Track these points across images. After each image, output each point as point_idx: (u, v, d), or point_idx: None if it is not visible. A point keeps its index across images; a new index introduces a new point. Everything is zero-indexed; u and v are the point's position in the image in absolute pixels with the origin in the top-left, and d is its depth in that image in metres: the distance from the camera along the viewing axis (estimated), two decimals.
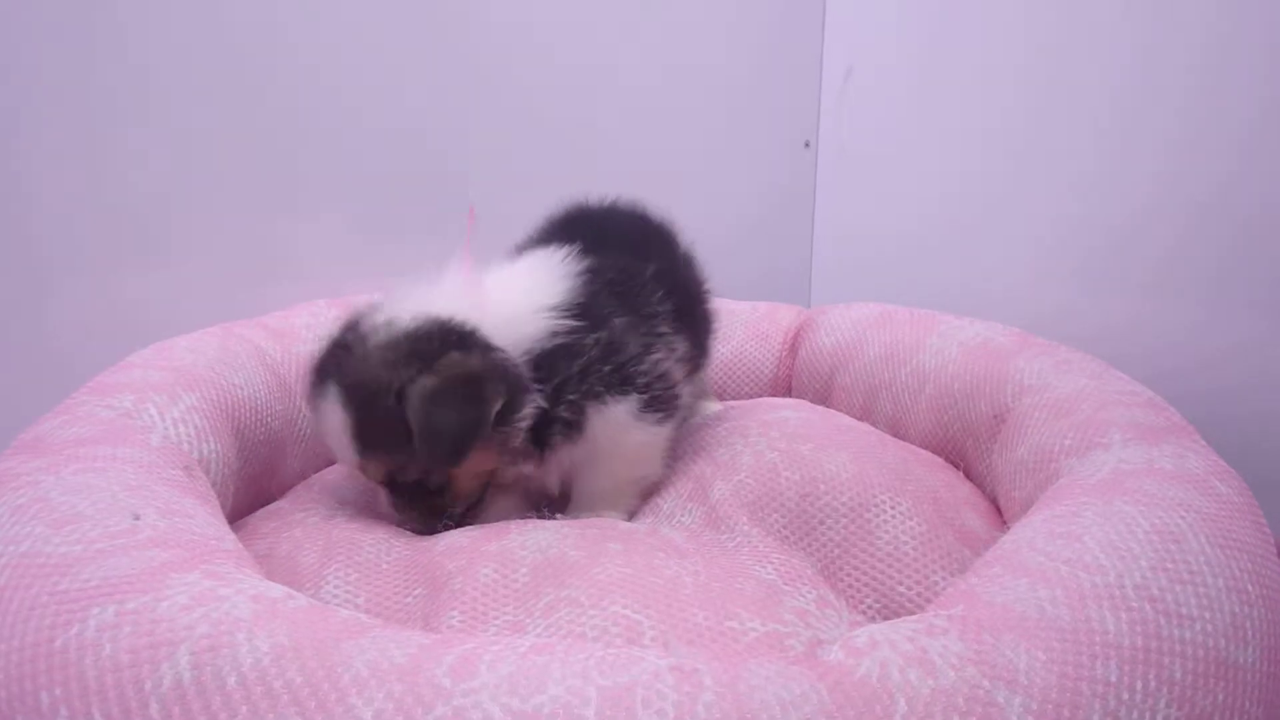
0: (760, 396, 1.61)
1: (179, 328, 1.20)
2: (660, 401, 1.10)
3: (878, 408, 1.37)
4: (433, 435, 0.96)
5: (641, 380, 1.08)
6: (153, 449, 0.87)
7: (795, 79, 2.11)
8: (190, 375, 1.04)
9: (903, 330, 1.39)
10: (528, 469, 1.07)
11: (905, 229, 1.96)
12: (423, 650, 0.56)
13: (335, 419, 0.99)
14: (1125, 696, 0.56)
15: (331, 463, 1.25)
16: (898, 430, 1.31)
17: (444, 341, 0.99)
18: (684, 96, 1.96)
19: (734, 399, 1.54)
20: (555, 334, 1.04)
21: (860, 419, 1.37)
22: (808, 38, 2.10)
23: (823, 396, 1.51)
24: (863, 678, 0.55)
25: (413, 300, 1.03)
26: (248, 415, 1.08)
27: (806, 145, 2.16)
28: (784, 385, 1.63)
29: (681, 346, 1.17)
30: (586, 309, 1.06)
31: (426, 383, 0.95)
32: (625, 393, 1.06)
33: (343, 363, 1.00)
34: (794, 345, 1.63)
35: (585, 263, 1.11)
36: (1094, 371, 1.10)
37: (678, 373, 1.15)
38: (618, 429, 1.07)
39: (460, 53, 1.66)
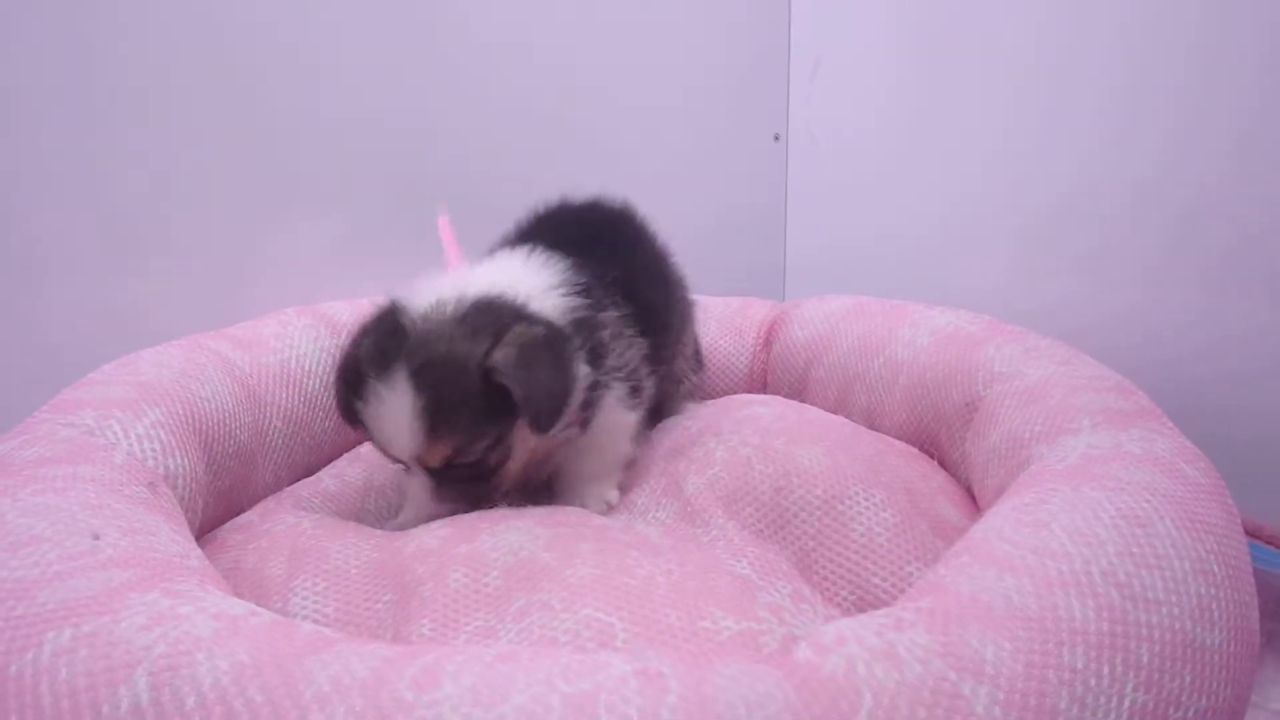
0: (735, 392, 1.61)
1: (166, 332, 1.20)
2: (637, 391, 1.16)
3: (853, 400, 1.37)
4: (538, 397, 0.98)
5: (625, 370, 1.13)
6: (115, 466, 0.86)
7: (763, 71, 2.11)
8: (155, 389, 1.02)
9: (875, 321, 1.39)
10: (571, 433, 1.10)
11: (881, 221, 1.96)
12: (386, 663, 0.56)
13: (400, 403, 0.97)
14: (1092, 683, 0.56)
15: (305, 474, 1.24)
16: (873, 422, 1.31)
17: (505, 314, 1.02)
18: (651, 91, 1.96)
19: (709, 396, 1.54)
20: (574, 309, 1.07)
21: (835, 412, 1.36)
22: (775, 28, 2.09)
23: (798, 390, 1.51)
24: (829, 674, 0.55)
25: (437, 289, 1.05)
26: (215, 428, 1.07)
27: (776, 138, 2.16)
28: (759, 380, 1.62)
29: (643, 346, 1.19)
30: (587, 290, 1.10)
31: (510, 351, 0.98)
32: (617, 381, 1.12)
33: (405, 345, 0.99)
34: (768, 340, 1.62)
35: (563, 260, 1.14)
36: (1063, 357, 1.09)
37: (643, 369, 1.18)
38: (609, 413, 1.12)
39: (430, 58, 1.66)
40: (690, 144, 2.05)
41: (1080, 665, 0.56)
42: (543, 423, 0.99)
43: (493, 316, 1.01)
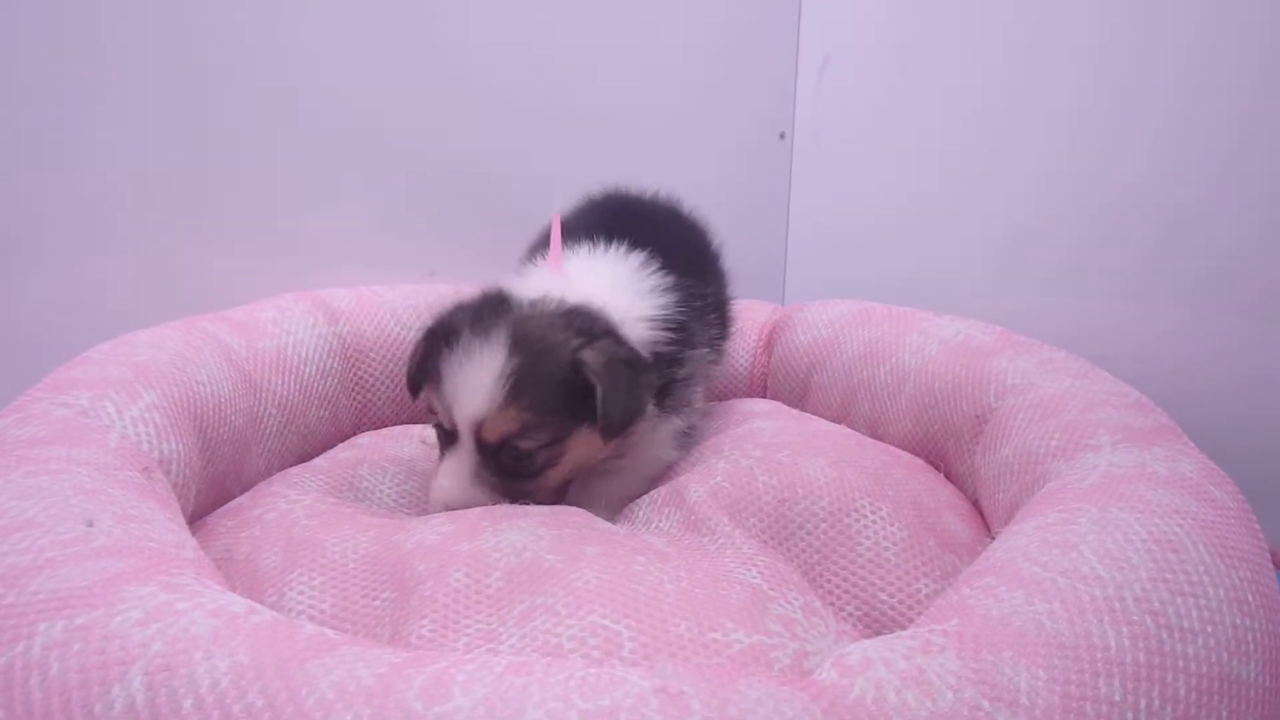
0: (735, 395, 1.59)
1: (143, 318, 1.17)
2: (691, 431, 1.20)
3: (856, 407, 1.34)
4: (614, 403, 1.02)
5: (686, 409, 1.17)
6: (110, 449, 0.84)
7: (770, 68, 2.09)
8: (151, 371, 1.00)
9: (882, 328, 1.37)
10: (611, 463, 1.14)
11: (881, 222, 1.94)
12: (393, 670, 0.53)
13: (490, 360, 1.01)
14: (1130, 716, 0.53)
15: (298, 463, 1.22)
16: (876, 430, 1.29)
17: (600, 325, 1.07)
18: (657, 87, 1.94)
19: (709, 398, 1.51)
20: (655, 344, 1.11)
21: (838, 419, 1.35)
22: (784, 25, 2.07)
23: (799, 395, 1.49)
24: (857, 699, 0.53)
25: (540, 286, 1.11)
26: (211, 413, 1.04)
27: (782, 136, 2.14)
28: (759, 384, 1.60)
29: (718, 363, 1.27)
30: (680, 326, 1.14)
31: (599, 356, 1.03)
32: (676, 414, 1.16)
33: (508, 316, 1.05)
34: (770, 343, 1.60)
35: (671, 280, 1.17)
36: (1079, 371, 1.07)
37: (699, 398, 1.23)
38: (657, 445, 1.16)
39: (434, 51, 1.64)
40: (695, 141, 2.03)
41: (1118, 698, 0.54)
42: (611, 430, 1.03)
43: (589, 323, 1.06)
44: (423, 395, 1.11)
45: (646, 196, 1.40)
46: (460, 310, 1.09)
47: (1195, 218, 1.30)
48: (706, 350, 1.20)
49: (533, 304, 1.07)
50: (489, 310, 1.07)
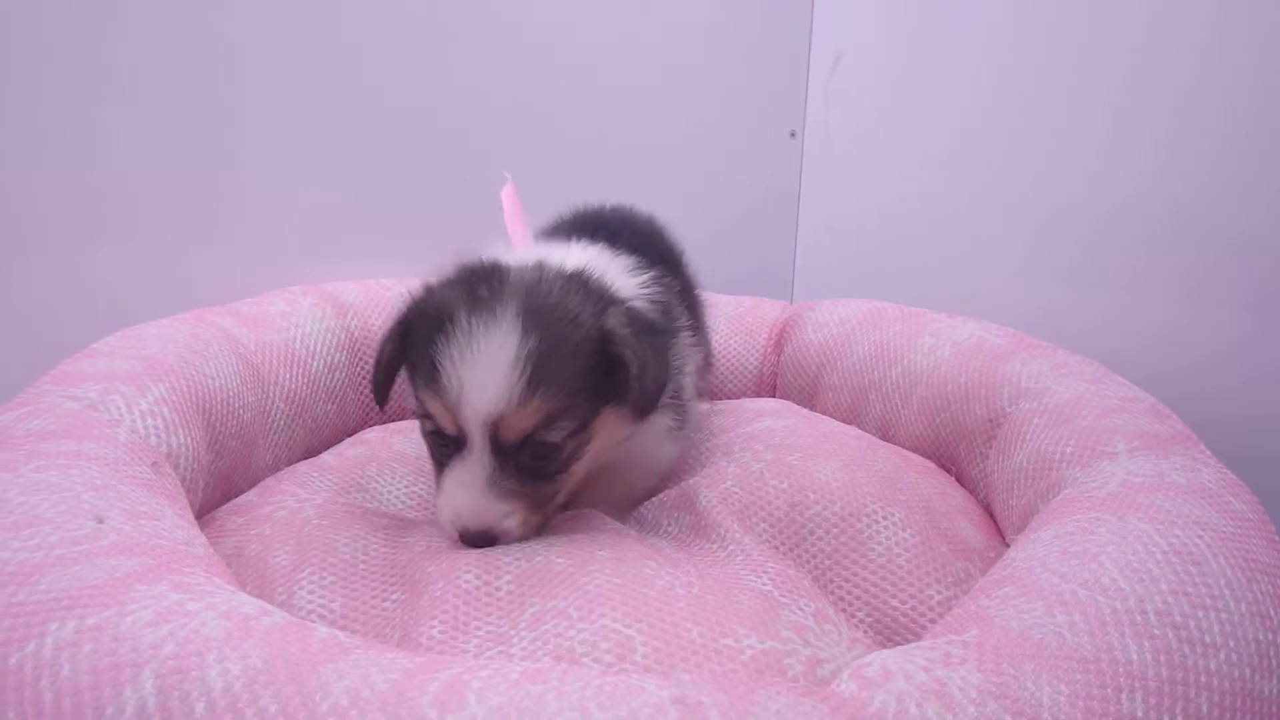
0: (744, 394, 1.58)
1: (151, 311, 1.16)
2: (684, 417, 1.10)
3: (866, 408, 1.34)
4: (651, 372, 0.90)
5: (674, 395, 1.05)
6: (119, 444, 0.83)
7: (782, 66, 2.09)
8: (159, 364, 0.99)
9: (894, 329, 1.36)
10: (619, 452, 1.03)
11: (891, 221, 1.94)
12: (407, 675, 0.52)
13: (501, 344, 0.86)
14: None
15: (305, 458, 1.21)
16: (887, 432, 1.28)
17: (608, 291, 0.97)
18: (668, 84, 1.94)
19: (717, 397, 1.50)
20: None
21: (848, 419, 1.34)
22: (796, 24, 2.07)
23: (809, 395, 1.48)
24: (878, 712, 0.52)
25: (526, 256, 1.01)
26: (219, 407, 1.03)
27: (792, 135, 2.13)
28: (769, 383, 1.60)
29: (699, 355, 1.19)
30: (663, 306, 1.05)
31: (625, 322, 0.91)
32: (664, 407, 1.01)
33: (510, 288, 0.91)
34: (779, 341, 1.59)
35: (642, 261, 1.10)
36: (1094, 375, 1.07)
37: (690, 385, 1.14)
38: (652, 440, 1.07)
39: (447, 44, 1.63)
40: (706, 140, 2.02)
41: (1140, 714, 0.53)
42: (647, 405, 0.92)
43: (599, 289, 0.95)
44: (394, 398, 1.02)
45: (611, 206, 1.34)
46: (443, 288, 0.96)
47: (1201, 215, 1.31)
48: (689, 335, 1.12)
49: (530, 270, 0.95)
50: (484, 282, 0.92)
